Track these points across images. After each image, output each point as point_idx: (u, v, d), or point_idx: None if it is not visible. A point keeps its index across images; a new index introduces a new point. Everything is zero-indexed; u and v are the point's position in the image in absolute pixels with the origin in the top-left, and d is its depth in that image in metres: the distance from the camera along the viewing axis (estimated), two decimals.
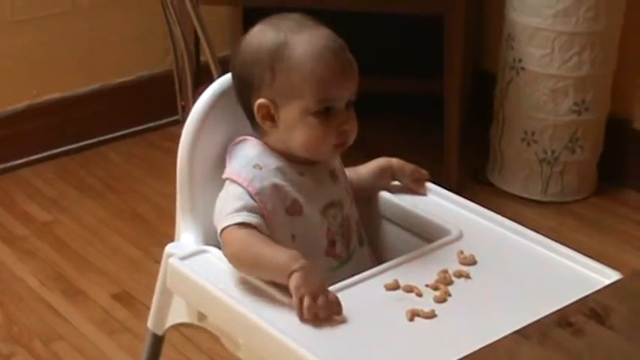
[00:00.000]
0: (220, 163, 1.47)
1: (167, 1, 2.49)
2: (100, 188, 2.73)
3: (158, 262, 1.52)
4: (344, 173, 1.53)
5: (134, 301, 2.25)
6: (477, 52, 3.00)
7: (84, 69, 2.88)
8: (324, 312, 1.28)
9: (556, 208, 2.67)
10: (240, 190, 1.40)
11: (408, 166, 1.60)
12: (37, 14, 2.76)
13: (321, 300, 1.28)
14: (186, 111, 2.08)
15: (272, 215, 1.40)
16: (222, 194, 1.43)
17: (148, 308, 1.59)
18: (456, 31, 2.60)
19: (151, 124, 3.00)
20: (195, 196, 1.48)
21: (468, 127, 2.85)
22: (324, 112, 1.40)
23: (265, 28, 1.43)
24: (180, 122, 1.54)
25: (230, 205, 1.39)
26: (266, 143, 1.45)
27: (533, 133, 2.64)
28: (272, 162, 1.43)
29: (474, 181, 2.77)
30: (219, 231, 1.39)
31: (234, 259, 1.37)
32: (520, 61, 2.60)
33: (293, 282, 1.29)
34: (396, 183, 1.60)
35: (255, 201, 1.39)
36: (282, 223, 1.41)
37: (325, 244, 1.45)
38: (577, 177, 2.69)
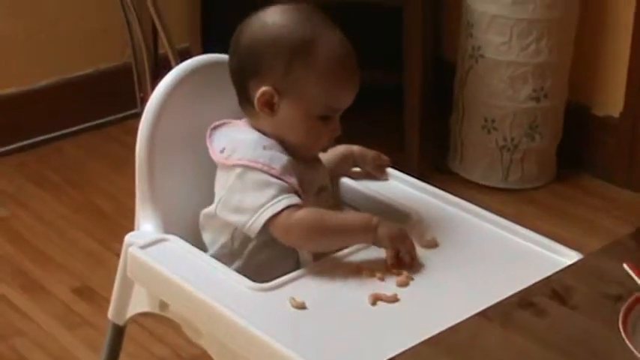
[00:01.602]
0: (180, 149, 1.46)
1: None
2: (59, 183, 2.70)
3: (118, 255, 1.50)
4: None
5: (95, 295, 2.23)
6: (437, 41, 3.00)
7: (41, 62, 2.84)
8: (413, 253, 1.36)
9: (516, 195, 2.68)
10: (262, 176, 1.36)
11: (370, 153, 1.60)
12: None
13: (408, 243, 1.36)
14: (144, 103, 2.06)
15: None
16: (234, 183, 1.37)
17: (109, 302, 1.57)
18: (415, 22, 2.60)
19: (110, 118, 2.97)
20: (154, 184, 1.46)
21: (429, 116, 2.85)
22: (325, 118, 1.41)
23: (286, 16, 1.41)
24: (139, 115, 1.52)
25: (261, 195, 1.35)
26: (254, 126, 1.43)
27: (493, 121, 2.65)
28: (272, 143, 1.41)
29: (436, 170, 2.77)
30: (261, 222, 1.34)
31: (306, 239, 1.36)
32: (479, 48, 2.61)
33: (384, 234, 1.34)
34: (357, 169, 1.60)
35: (283, 180, 1.36)
36: None
37: None
38: (537, 164, 2.70)
